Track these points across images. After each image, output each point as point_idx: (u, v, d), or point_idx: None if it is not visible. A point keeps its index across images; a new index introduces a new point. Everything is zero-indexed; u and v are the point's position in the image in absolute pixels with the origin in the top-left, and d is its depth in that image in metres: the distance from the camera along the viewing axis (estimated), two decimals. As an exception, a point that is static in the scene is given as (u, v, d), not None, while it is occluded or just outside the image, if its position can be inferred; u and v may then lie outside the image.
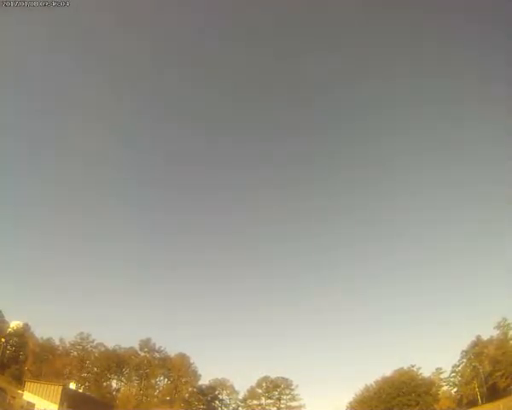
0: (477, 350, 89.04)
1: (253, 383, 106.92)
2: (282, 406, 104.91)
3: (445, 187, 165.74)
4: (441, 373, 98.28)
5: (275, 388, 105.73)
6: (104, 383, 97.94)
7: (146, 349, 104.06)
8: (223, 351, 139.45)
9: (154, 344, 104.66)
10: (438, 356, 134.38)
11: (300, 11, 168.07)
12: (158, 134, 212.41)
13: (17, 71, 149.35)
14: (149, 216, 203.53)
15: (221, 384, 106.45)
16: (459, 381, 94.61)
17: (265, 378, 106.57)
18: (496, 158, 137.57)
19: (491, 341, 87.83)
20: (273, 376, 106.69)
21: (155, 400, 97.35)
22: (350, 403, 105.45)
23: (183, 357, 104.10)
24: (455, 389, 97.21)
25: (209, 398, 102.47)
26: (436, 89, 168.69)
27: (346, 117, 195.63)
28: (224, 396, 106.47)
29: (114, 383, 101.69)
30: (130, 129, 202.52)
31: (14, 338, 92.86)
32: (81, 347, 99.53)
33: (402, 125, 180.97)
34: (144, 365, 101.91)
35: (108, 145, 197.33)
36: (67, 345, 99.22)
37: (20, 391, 64.80)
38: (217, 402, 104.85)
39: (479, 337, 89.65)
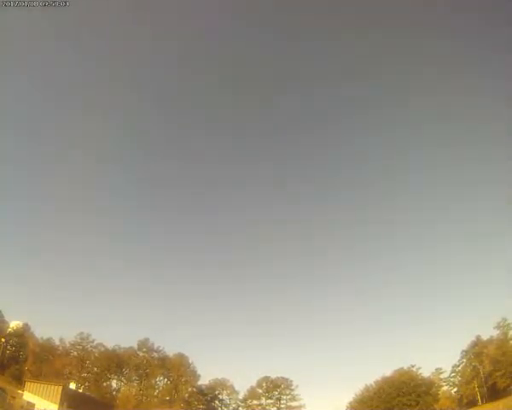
0: (477, 350, 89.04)
1: (253, 383, 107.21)
2: (282, 406, 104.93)
3: (445, 187, 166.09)
4: (441, 373, 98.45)
5: (275, 388, 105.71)
6: (104, 383, 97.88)
7: (144, 349, 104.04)
8: (223, 351, 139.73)
9: (153, 344, 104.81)
10: (438, 356, 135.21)
11: (301, 11, 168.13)
12: (158, 134, 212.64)
13: (17, 71, 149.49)
14: (149, 216, 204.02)
15: (221, 384, 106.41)
16: (459, 381, 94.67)
17: (265, 378, 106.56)
18: (496, 158, 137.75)
19: (491, 341, 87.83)
20: (273, 376, 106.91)
21: (155, 400, 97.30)
22: (350, 403, 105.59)
23: (181, 357, 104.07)
24: (455, 389, 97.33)
25: (209, 398, 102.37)
26: (436, 88, 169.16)
27: (346, 116, 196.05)
28: (223, 396, 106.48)
29: (114, 383, 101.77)
30: (129, 129, 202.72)
31: (14, 338, 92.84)
32: (81, 347, 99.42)
33: (401, 124, 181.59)
34: (144, 365, 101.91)
35: (108, 145, 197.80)
36: (67, 345, 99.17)
37: (20, 391, 64.79)
38: (217, 402, 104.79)
39: (479, 337, 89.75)
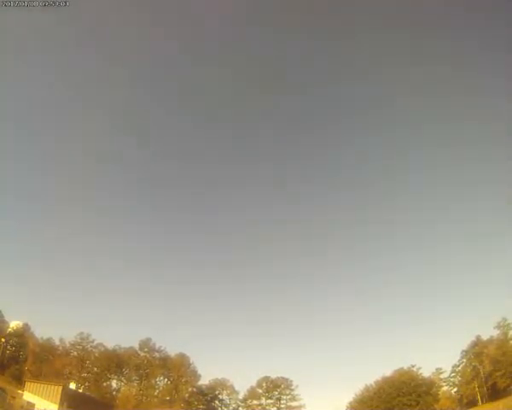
0: (477, 350, 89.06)
1: (253, 383, 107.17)
2: (282, 406, 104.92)
3: (445, 187, 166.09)
4: (441, 373, 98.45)
5: (275, 388, 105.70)
6: (104, 383, 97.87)
7: (146, 349, 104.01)
8: (223, 351, 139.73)
9: (154, 344, 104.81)
10: (438, 356, 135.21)
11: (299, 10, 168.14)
12: (158, 134, 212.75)
13: (17, 71, 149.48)
14: (149, 216, 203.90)
15: (221, 384, 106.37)
16: (459, 381, 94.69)
17: (265, 378, 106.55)
18: (496, 158, 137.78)
19: (491, 341, 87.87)
20: (273, 376, 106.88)
21: (155, 400, 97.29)
22: (350, 403, 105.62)
23: (182, 357, 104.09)
24: (455, 389, 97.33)
25: (209, 398, 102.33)
26: (436, 88, 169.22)
27: (346, 116, 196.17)
28: (224, 396, 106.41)
29: (114, 383, 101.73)
30: (130, 129, 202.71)
31: (14, 338, 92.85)
32: (81, 347, 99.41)
33: (401, 124, 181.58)
34: (144, 365, 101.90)
35: (108, 145, 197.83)
36: (67, 345, 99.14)
37: (20, 391, 64.78)
38: (217, 402, 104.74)
39: (479, 337, 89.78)
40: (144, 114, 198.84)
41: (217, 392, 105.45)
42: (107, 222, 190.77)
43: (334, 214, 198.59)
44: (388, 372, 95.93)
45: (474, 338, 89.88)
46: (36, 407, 57.66)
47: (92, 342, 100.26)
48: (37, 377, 77.84)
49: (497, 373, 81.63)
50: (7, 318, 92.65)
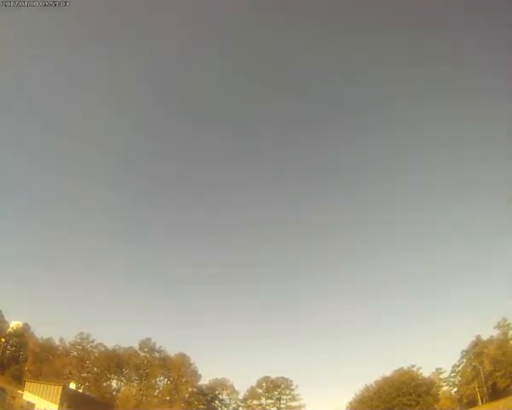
0: (477, 350, 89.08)
1: (253, 383, 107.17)
2: (282, 406, 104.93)
3: (445, 187, 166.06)
4: (441, 373, 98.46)
5: (275, 388, 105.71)
6: (104, 383, 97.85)
7: (146, 349, 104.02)
8: (223, 351, 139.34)
9: (154, 344, 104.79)
10: (438, 356, 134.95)
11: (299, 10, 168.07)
12: (158, 134, 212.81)
13: (17, 71, 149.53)
14: (149, 216, 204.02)
15: (221, 384, 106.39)
16: (459, 381, 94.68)
17: (265, 378, 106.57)
18: (496, 158, 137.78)
19: (491, 341, 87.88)
20: (273, 376, 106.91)
21: (155, 400, 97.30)
22: (350, 403, 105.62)
23: (183, 357, 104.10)
24: (455, 389, 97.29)
25: (209, 398, 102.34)
26: (436, 88, 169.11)
27: (346, 116, 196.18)
28: (224, 396, 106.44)
29: (114, 383, 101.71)
30: (130, 129, 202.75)
31: (14, 338, 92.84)
32: (81, 347, 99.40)
33: (401, 124, 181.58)
34: (144, 365, 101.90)
35: (109, 145, 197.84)
36: (67, 345, 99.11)
37: (20, 391, 64.78)
38: (217, 402, 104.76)
39: (479, 337, 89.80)
40: (144, 114, 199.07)
41: (217, 392, 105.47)
42: (107, 222, 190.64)
43: (334, 214, 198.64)
44: (388, 372, 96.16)
45: (474, 338, 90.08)
46: (36, 407, 57.66)
47: (92, 342, 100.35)
48: (37, 377, 77.83)
49: (497, 373, 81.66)
50: (7, 318, 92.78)
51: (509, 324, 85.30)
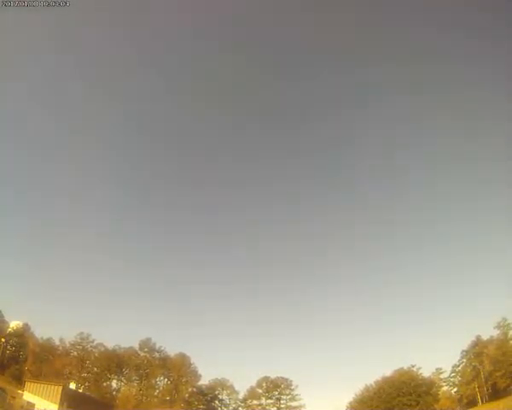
0: (477, 350, 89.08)
1: (253, 383, 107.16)
2: (282, 406, 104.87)
3: (445, 187, 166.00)
4: (441, 373, 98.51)
5: (275, 388, 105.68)
6: (104, 383, 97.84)
7: (146, 349, 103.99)
8: (223, 351, 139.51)
9: (154, 344, 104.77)
10: (438, 356, 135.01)
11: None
12: (157, 133, 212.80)
13: (17, 71, 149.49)
14: (149, 216, 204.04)
15: (221, 384, 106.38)
16: (459, 381, 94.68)
17: (265, 378, 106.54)
18: (496, 158, 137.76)
19: (491, 341, 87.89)
20: (273, 376, 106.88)
21: (155, 400, 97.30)
22: (350, 403, 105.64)
23: (183, 357, 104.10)
24: (455, 389, 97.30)
25: (209, 398, 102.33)
26: (436, 88, 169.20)
27: (347, 115, 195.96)
28: (224, 396, 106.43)
29: (114, 383, 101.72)
30: (130, 129, 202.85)
31: (14, 338, 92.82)
32: (81, 347, 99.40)
33: (402, 124, 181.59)
34: (144, 365, 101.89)
35: (108, 145, 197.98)
36: (67, 345, 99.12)
37: (20, 391, 64.77)
38: (217, 402, 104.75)
39: (479, 337, 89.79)
40: (143, 114, 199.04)
41: (217, 392, 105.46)
42: (108, 222, 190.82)
43: (334, 214, 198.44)
44: (388, 372, 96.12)
45: (474, 338, 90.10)
46: (36, 407, 57.62)
47: (92, 342, 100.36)
48: (37, 377, 77.84)
49: (497, 373, 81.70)
50: (7, 318, 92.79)
51: (509, 324, 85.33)
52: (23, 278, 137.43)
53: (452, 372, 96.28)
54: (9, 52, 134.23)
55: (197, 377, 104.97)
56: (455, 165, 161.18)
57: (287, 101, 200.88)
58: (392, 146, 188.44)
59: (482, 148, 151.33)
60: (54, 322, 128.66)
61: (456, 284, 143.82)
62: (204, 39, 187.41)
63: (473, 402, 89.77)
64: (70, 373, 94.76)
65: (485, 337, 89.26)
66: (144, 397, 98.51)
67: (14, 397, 60.58)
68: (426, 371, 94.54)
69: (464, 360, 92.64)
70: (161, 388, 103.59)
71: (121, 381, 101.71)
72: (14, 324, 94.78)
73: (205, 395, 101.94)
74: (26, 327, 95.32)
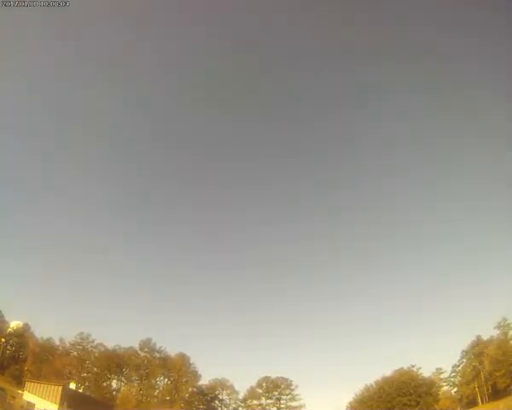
0: (477, 350, 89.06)
1: (253, 383, 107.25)
2: (282, 406, 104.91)
3: (445, 187, 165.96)
4: (441, 373, 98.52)
5: (275, 388, 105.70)
6: (104, 383, 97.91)
7: (146, 349, 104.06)
8: (223, 351, 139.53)
9: (155, 344, 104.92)
10: (438, 356, 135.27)
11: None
12: (157, 133, 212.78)
13: (17, 71, 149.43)
14: (150, 215, 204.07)
15: (221, 384, 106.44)
16: (459, 381, 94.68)
17: (265, 378, 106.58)
18: (496, 157, 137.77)
19: (491, 341, 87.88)
20: (273, 376, 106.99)
21: (155, 400, 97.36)
22: (350, 403, 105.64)
23: (183, 357, 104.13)
24: (455, 389, 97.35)
25: (209, 398, 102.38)
26: (436, 88, 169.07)
27: (347, 115, 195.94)
28: (224, 396, 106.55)
29: (114, 383, 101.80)
30: (130, 128, 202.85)
31: (14, 338, 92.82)
32: (81, 347, 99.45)
33: (402, 124, 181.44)
34: (144, 365, 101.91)
35: (108, 144, 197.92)
36: (67, 345, 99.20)
37: (20, 391, 64.73)
38: (217, 402, 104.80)
39: (479, 337, 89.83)
40: (145, 114, 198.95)
41: (217, 392, 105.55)
42: (108, 221, 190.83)
43: (334, 214, 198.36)
44: (388, 372, 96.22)
45: (474, 338, 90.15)
46: (36, 407, 57.53)
47: (92, 342, 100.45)
48: (37, 377, 77.70)
49: (497, 373, 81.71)
50: (7, 318, 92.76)
51: (509, 324, 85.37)
52: (23, 278, 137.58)
53: (452, 372, 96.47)
54: (9, 52, 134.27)
55: (197, 377, 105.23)
56: (455, 165, 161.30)
57: (287, 100, 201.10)
58: (392, 146, 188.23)
59: (482, 148, 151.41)
60: (54, 322, 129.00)
61: (456, 284, 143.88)
62: (204, 39, 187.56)
63: (473, 402, 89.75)
64: (70, 373, 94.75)
65: (485, 337, 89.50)
66: (144, 397, 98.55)
67: (14, 397, 60.56)
68: (426, 371, 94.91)
69: (464, 360, 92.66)
70: (161, 388, 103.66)
71: (121, 381, 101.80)
72: (14, 324, 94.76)
73: (205, 395, 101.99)
74: (26, 327, 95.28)
